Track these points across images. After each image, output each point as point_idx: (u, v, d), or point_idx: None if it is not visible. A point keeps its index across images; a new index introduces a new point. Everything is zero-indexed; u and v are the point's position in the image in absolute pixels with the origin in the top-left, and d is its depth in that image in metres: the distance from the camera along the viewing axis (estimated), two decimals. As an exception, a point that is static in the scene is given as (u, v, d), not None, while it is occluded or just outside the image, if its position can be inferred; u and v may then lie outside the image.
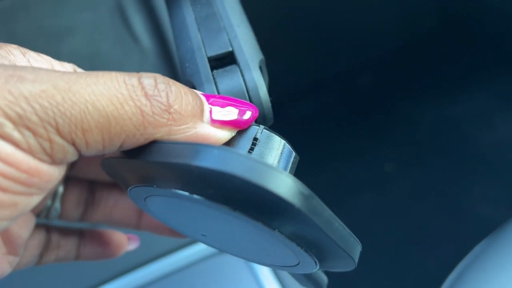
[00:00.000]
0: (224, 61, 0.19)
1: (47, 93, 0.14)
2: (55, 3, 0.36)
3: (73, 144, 0.14)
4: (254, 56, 0.19)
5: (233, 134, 0.17)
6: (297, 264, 0.18)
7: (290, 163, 0.17)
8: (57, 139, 0.14)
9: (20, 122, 0.14)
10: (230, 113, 0.17)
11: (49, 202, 0.23)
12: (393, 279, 0.59)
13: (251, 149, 0.17)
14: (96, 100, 0.14)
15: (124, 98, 0.14)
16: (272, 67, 0.22)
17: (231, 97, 0.18)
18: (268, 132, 0.17)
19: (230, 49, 0.19)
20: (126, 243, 0.26)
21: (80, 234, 0.24)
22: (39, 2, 0.36)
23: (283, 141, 0.17)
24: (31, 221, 0.22)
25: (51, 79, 0.14)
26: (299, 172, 0.18)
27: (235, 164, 0.13)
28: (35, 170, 0.14)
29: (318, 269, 0.18)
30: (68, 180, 0.24)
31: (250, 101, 0.19)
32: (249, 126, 0.17)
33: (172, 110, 0.15)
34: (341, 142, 0.72)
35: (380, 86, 0.79)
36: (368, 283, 0.58)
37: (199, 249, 0.37)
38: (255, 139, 0.17)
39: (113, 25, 0.36)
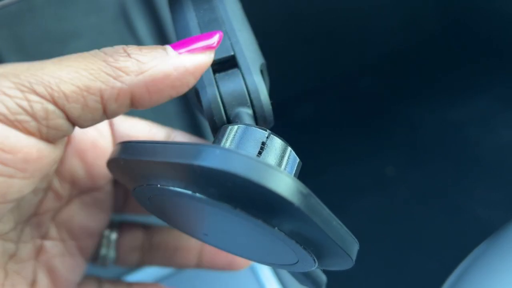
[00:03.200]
0: (226, 65, 0.20)
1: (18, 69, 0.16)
2: (61, 8, 0.37)
3: (53, 101, 0.16)
4: (255, 60, 0.20)
5: (212, 56, 0.18)
6: (296, 262, 0.18)
7: (295, 168, 0.18)
8: (33, 97, 0.15)
9: None
10: (195, 45, 0.18)
11: (103, 250, 0.24)
12: (393, 281, 0.59)
13: (259, 153, 0.17)
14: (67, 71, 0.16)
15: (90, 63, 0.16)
16: (273, 71, 0.23)
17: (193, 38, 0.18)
18: (275, 137, 0.18)
19: (232, 53, 0.20)
20: None
21: (129, 286, 0.24)
22: (44, 6, 0.37)
23: (288, 147, 0.18)
24: (81, 266, 0.22)
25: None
26: (300, 174, 0.18)
27: (236, 163, 0.14)
28: (21, 148, 0.16)
29: (317, 267, 0.18)
30: (121, 226, 0.25)
31: (252, 104, 0.19)
32: (254, 130, 0.18)
33: (129, 51, 0.17)
34: (342, 145, 0.73)
35: (381, 89, 0.79)
36: (368, 285, 0.58)
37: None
38: (262, 143, 0.17)
39: (117, 30, 0.37)
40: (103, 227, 0.23)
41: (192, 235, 0.22)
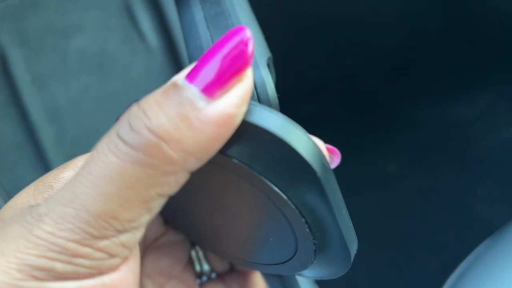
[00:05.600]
0: None
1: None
2: (64, 1, 0.37)
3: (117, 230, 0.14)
4: (262, 54, 0.20)
5: (249, 77, 0.13)
6: (291, 258, 0.18)
7: None
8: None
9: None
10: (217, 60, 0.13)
11: (197, 267, 0.23)
12: (395, 279, 0.59)
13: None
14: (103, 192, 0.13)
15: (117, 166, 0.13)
16: (276, 68, 0.22)
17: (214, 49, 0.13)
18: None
19: None
20: None
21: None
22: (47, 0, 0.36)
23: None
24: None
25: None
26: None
27: (267, 119, 0.13)
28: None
29: (310, 269, 0.18)
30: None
31: (258, 98, 0.19)
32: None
33: (159, 132, 0.13)
34: (344, 143, 0.72)
35: (384, 87, 0.79)
36: (370, 283, 0.58)
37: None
38: None
39: (120, 23, 0.37)
40: (188, 250, 0.22)
41: (184, 228, 0.21)
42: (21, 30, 0.36)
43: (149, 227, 0.21)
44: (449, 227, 0.62)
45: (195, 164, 0.13)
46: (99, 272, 0.14)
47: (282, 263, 0.18)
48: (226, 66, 0.13)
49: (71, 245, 0.13)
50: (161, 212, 0.21)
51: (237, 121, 0.13)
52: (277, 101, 0.19)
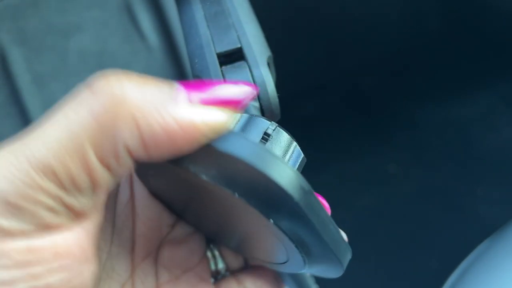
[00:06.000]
0: (233, 57, 0.20)
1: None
2: (64, 1, 0.37)
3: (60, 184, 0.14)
4: (262, 53, 0.20)
5: (232, 118, 0.14)
6: (286, 262, 0.18)
7: (298, 163, 0.18)
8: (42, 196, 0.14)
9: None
10: (216, 93, 0.14)
11: (212, 265, 0.23)
12: (395, 279, 0.59)
13: (263, 144, 0.17)
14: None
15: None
16: (276, 67, 0.23)
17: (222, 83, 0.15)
18: (281, 130, 0.17)
19: (239, 45, 0.20)
20: None
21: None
22: (48, -1, 0.36)
23: (294, 141, 0.18)
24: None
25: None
26: (302, 171, 0.18)
27: (241, 148, 0.13)
28: (73, 245, 0.14)
29: (306, 270, 0.18)
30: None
31: (258, 96, 0.19)
32: (260, 120, 0.17)
33: (123, 83, 0.13)
34: (344, 142, 0.73)
35: (384, 87, 0.79)
36: (370, 283, 0.58)
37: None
38: (267, 134, 0.17)
39: (120, 23, 0.37)
40: (204, 242, 0.22)
41: (189, 220, 0.21)
42: (21, 30, 0.36)
43: (163, 216, 0.21)
44: (449, 227, 0.62)
45: (137, 148, 0.13)
46: (46, 228, 0.14)
47: (281, 263, 0.18)
48: (217, 90, 0.14)
49: (12, 198, 0.13)
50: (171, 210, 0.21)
51: (199, 137, 0.14)
52: (277, 100, 0.19)
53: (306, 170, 0.20)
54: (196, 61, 0.20)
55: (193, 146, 0.14)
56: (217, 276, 0.22)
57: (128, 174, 0.20)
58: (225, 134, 0.14)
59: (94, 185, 0.14)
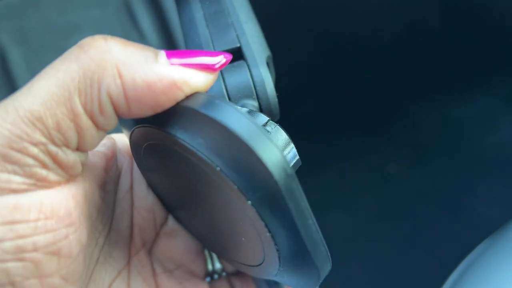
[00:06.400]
0: (232, 56, 0.20)
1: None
2: (63, 0, 0.37)
3: (50, 138, 0.14)
4: (262, 52, 0.20)
5: (210, 79, 0.16)
6: (262, 263, 0.17)
7: (291, 164, 0.17)
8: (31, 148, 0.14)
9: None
10: (193, 57, 0.16)
11: (209, 265, 0.23)
12: (394, 279, 0.59)
13: None
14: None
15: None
16: (275, 67, 0.23)
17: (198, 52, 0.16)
18: (280, 129, 0.17)
19: (238, 45, 0.20)
20: None
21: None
22: (47, -1, 0.36)
23: (291, 143, 0.17)
24: (204, 285, 0.22)
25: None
26: (301, 171, 0.18)
27: (230, 116, 0.13)
28: (58, 205, 0.15)
29: (280, 277, 0.17)
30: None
31: (257, 96, 0.19)
32: (258, 114, 0.17)
33: (110, 45, 0.15)
34: (343, 142, 0.73)
35: (384, 86, 0.79)
36: (369, 283, 0.58)
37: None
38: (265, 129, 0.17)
39: (120, 22, 0.37)
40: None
41: (180, 220, 0.21)
42: (21, 29, 0.36)
43: (158, 208, 0.21)
44: (448, 227, 0.62)
45: (119, 98, 0.14)
46: (34, 183, 0.14)
47: (256, 265, 0.18)
48: (194, 55, 0.15)
49: (1, 148, 0.14)
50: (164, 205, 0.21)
51: (177, 92, 0.15)
52: (276, 100, 0.19)
53: (306, 169, 0.20)
54: None
55: (172, 102, 0.15)
56: (213, 275, 0.22)
57: (129, 163, 0.20)
58: (218, 104, 0.14)
59: (79, 135, 0.15)
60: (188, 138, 0.14)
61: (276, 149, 0.13)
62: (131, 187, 0.21)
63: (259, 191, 0.14)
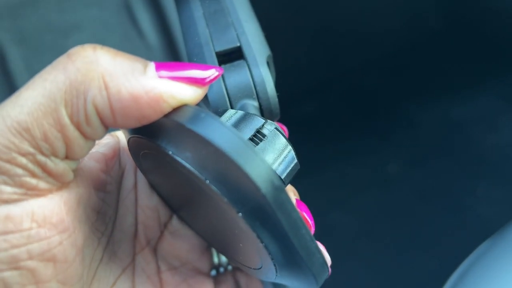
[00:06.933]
0: (232, 56, 0.20)
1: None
2: (63, 0, 0.37)
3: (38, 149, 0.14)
4: (262, 52, 0.20)
5: (199, 93, 0.15)
6: (260, 268, 0.17)
7: (290, 168, 0.17)
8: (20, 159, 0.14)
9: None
10: (182, 71, 0.15)
11: (215, 259, 0.23)
12: (395, 279, 0.59)
13: (256, 143, 0.17)
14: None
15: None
16: (276, 67, 0.22)
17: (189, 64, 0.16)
18: (278, 133, 0.17)
19: (238, 44, 0.19)
20: None
21: None
22: (46, -2, 0.36)
23: (289, 146, 0.17)
24: (209, 282, 0.22)
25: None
26: (302, 171, 0.18)
27: (215, 131, 0.13)
28: (50, 213, 0.15)
29: (279, 280, 0.17)
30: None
31: (258, 96, 0.19)
32: (254, 117, 0.17)
33: (98, 55, 0.14)
34: (344, 142, 0.72)
35: (384, 87, 0.79)
36: (369, 283, 0.58)
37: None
38: (261, 133, 0.17)
39: (120, 22, 0.37)
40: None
41: (184, 220, 0.21)
42: (20, 29, 0.36)
43: (161, 206, 0.21)
44: (449, 227, 0.62)
45: (104, 109, 0.14)
46: (25, 193, 0.14)
47: (256, 269, 0.18)
48: (184, 68, 0.15)
49: None
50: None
51: (163, 105, 0.14)
52: (276, 99, 0.19)
53: (306, 169, 0.19)
54: (195, 60, 0.20)
55: (157, 115, 0.15)
56: (219, 269, 0.23)
57: (133, 161, 0.20)
58: (204, 118, 0.14)
59: (67, 145, 0.14)
60: (177, 152, 0.14)
61: (262, 163, 0.13)
62: (135, 185, 0.20)
63: (248, 204, 0.14)
